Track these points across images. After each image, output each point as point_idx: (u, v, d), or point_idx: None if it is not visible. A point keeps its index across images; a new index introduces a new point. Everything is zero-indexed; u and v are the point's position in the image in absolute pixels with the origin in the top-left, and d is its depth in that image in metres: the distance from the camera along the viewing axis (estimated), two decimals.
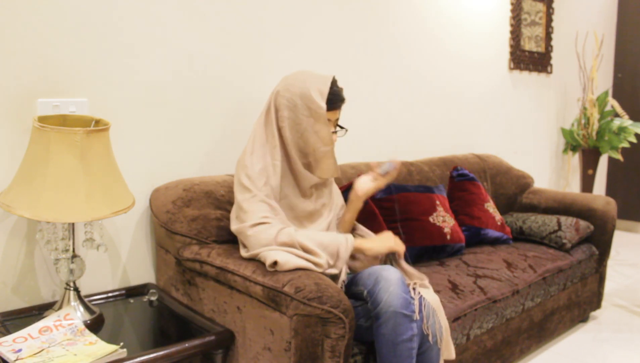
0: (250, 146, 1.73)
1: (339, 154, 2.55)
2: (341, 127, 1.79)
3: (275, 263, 1.54)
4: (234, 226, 1.69)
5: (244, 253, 1.66)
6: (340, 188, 2.17)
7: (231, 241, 1.81)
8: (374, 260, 1.80)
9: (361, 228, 1.91)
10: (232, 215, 1.73)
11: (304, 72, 1.75)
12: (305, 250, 1.59)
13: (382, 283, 1.53)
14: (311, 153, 1.72)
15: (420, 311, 1.59)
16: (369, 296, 1.55)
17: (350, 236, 1.69)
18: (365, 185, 1.85)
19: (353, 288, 1.67)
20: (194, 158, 2.07)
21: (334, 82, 1.72)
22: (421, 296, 1.62)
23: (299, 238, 1.59)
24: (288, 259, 1.54)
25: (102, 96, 1.82)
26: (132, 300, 1.85)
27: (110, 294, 1.85)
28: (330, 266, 1.62)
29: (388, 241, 1.75)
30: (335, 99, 1.71)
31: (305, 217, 1.76)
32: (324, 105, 1.66)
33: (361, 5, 2.63)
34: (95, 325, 1.60)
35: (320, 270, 1.57)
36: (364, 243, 1.72)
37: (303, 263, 1.56)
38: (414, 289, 1.64)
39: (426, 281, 1.74)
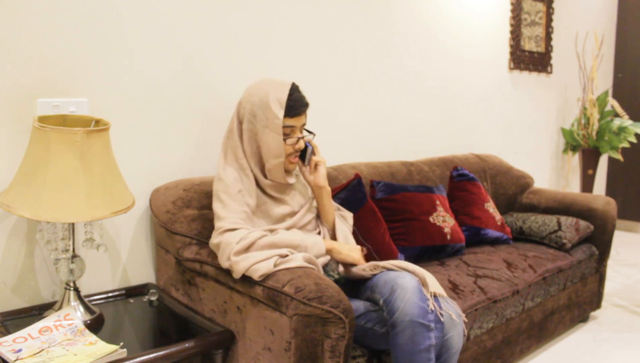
0: (222, 161, 1.74)
1: (338, 154, 2.56)
2: (309, 132, 1.80)
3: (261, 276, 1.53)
4: (211, 241, 1.67)
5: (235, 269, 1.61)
6: (337, 187, 2.17)
7: None
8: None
9: (343, 209, 1.96)
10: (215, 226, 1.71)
11: (265, 81, 1.74)
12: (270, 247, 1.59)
13: (398, 292, 1.50)
14: (265, 162, 1.73)
15: (438, 321, 1.54)
16: (385, 305, 1.53)
17: (319, 239, 1.69)
18: (319, 174, 1.82)
19: (369, 293, 1.66)
20: (194, 158, 2.07)
21: (293, 89, 1.71)
22: (441, 305, 1.58)
23: (266, 239, 1.59)
24: (257, 267, 1.52)
25: (102, 96, 1.82)
26: (132, 300, 1.85)
27: (110, 294, 1.85)
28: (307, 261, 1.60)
29: (355, 253, 1.76)
30: (296, 105, 1.69)
31: (282, 221, 1.76)
32: (281, 115, 1.66)
33: (361, 6, 2.63)
34: (95, 325, 1.60)
35: (294, 264, 1.55)
36: (334, 245, 1.73)
37: (271, 262, 1.53)
38: (434, 297, 1.59)
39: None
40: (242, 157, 1.72)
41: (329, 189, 1.86)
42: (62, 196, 1.44)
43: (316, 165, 1.82)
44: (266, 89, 1.69)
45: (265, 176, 1.75)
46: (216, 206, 1.68)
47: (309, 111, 2.44)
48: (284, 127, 1.68)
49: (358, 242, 1.99)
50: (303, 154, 1.81)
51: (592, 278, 2.77)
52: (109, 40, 1.81)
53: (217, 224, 1.65)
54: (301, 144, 1.76)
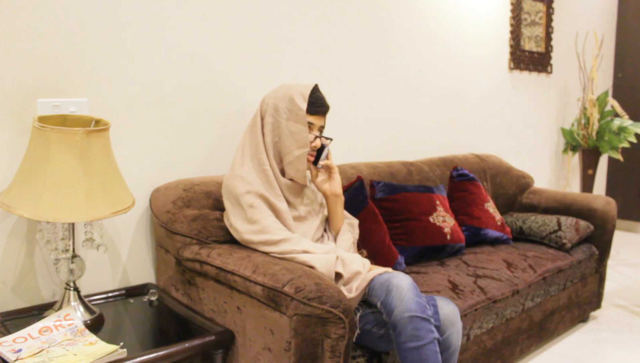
0: (239, 158, 1.78)
1: (338, 154, 2.56)
2: (326, 138, 1.82)
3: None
4: (251, 237, 1.70)
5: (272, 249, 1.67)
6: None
7: (231, 241, 1.81)
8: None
9: (350, 217, 1.98)
10: (241, 226, 1.72)
11: (288, 83, 1.82)
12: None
13: (394, 292, 1.51)
14: (285, 155, 1.75)
15: (437, 318, 1.54)
16: (383, 307, 1.53)
17: (367, 262, 1.71)
18: (336, 182, 1.84)
19: (366, 297, 1.66)
20: (194, 158, 2.07)
21: (316, 89, 1.78)
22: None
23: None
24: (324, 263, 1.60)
25: (102, 96, 1.82)
26: (132, 300, 1.85)
27: (110, 294, 1.86)
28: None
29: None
30: (318, 103, 1.76)
31: (290, 224, 1.76)
32: (304, 107, 1.71)
33: (361, 6, 2.63)
34: (95, 325, 1.60)
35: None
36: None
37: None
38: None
39: None
40: (262, 150, 1.75)
41: (343, 197, 1.89)
42: (62, 196, 1.44)
43: (331, 172, 1.84)
44: (290, 87, 1.77)
45: (282, 175, 1.78)
46: (248, 207, 1.69)
47: None
48: None
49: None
50: (317, 157, 1.81)
51: (592, 278, 2.77)
52: (109, 40, 1.81)
53: (257, 227, 1.69)
54: (317, 143, 1.79)
